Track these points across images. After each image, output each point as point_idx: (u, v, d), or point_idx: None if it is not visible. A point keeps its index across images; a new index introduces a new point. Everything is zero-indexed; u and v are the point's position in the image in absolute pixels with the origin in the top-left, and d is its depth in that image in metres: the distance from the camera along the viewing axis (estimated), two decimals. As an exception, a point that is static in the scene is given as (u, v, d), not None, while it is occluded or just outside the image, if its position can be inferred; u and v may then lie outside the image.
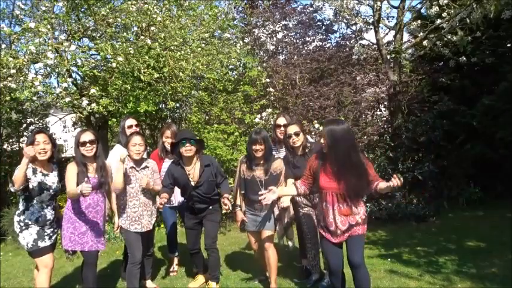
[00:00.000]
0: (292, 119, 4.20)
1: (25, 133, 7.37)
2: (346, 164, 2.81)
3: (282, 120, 4.02)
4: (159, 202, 3.48)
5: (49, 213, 3.30)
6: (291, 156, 3.76)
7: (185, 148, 3.56)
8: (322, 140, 2.93)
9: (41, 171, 3.24)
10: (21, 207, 3.25)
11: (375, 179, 2.91)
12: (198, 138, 3.86)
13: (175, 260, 4.51)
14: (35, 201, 3.23)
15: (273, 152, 3.90)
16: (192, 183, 3.64)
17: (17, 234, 3.31)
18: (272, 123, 5.08)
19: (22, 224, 3.23)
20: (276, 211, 3.72)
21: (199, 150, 3.69)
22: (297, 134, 3.69)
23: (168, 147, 4.19)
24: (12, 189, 3.16)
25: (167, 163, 4.12)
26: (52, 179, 3.30)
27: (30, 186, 3.18)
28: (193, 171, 3.66)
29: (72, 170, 3.33)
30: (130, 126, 4.11)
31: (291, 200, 3.70)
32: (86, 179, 3.24)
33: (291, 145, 3.74)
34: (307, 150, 3.75)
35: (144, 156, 3.81)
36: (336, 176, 2.88)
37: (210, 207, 3.74)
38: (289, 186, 3.29)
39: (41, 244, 3.23)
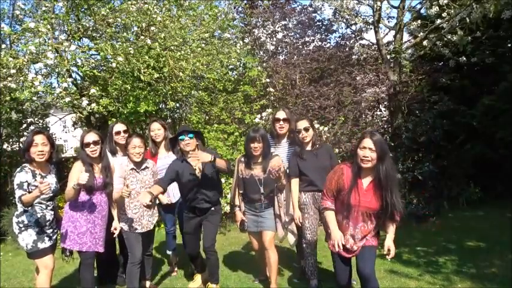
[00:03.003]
0: (292, 115, 4.16)
1: (25, 133, 7.36)
2: (390, 180, 2.66)
3: (281, 114, 3.95)
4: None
5: (48, 214, 3.28)
6: (298, 155, 3.73)
7: (184, 142, 3.52)
8: (364, 154, 2.67)
9: (39, 174, 3.20)
10: (20, 208, 3.22)
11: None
12: (195, 130, 3.78)
13: (175, 259, 4.51)
14: (34, 202, 3.19)
15: (271, 147, 3.87)
16: (199, 175, 3.56)
17: (16, 236, 3.28)
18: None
19: (21, 225, 3.21)
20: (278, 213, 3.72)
21: (198, 144, 3.64)
22: (306, 130, 3.68)
23: (156, 138, 4.17)
24: (18, 205, 3.11)
25: (162, 160, 4.11)
26: (50, 180, 3.26)
27: (30, 190, 3.13)
28: (199, 164, 3.57)
29: (77, 169, 3.34)
30: (118, 133, 4.03)
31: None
32: (84, 171, 3.20)
33: (300, 140, 3.72)
34: (315, 144, 3.75)
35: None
36: (374, 193, 2.72)
37: (212, 208, 3.69)
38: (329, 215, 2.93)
39: (41, 245, 3.21)
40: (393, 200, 2.65)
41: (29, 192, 3.08)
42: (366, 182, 2.76)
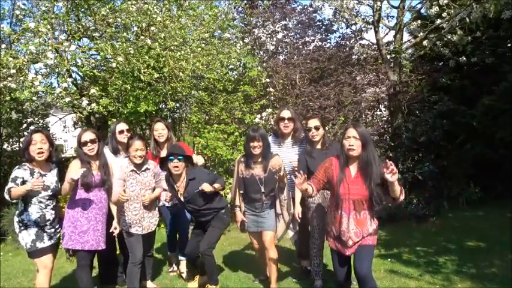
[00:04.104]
0: (296, 114, 4.14)
1: (25, 133, 7.37)
2: (374, 166, 2.75)
3: (286, 113, 3.93)
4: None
5: (48, 214, 3.28)
6: (307, 154, 3.73)
7: (173, 164, 3.53)
8: (349, 143, 2.79)
9: (38, 172, 3.21)
10: (20, 207, 3.24)
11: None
12: (185, 155, 3.70)
13: (175, 259, 4.51)
14: (33, 201, 3.20)
15: (274, 146, 3.88)
16: (182, 199, 3.63)
17: (17, 235, 3.30)
18: (272, 122, 5.07)
19: (21, 225, 3.21)
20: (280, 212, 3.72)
21: (188, 166, 3.64)
22: (316, 128, 3.68)
23: (160, 138, 4.17)
24: (6, 197, 3.06)
25: None
26: (50, 179, 3.27)
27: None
28: (181, 185, 3.63)
29: (74, 167, 3.35)
30: (121, 132, 4.04)
31: (301, 203, 3.70)
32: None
33: (309, 138, 3.73)
34: (325, 143, 3.73)
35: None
36: (362, 180, 2.79)
37: (216, 215, 3.70)
38: (309, 187, 3.00)
39: (39, 245, 3.20)
40: (372, 187, 2.73)
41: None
42: (354, 170, 2.85)
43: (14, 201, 3.07)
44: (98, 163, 3.49)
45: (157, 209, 3.91)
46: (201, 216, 3.70)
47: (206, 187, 3.44)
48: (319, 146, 3.75)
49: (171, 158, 3.55)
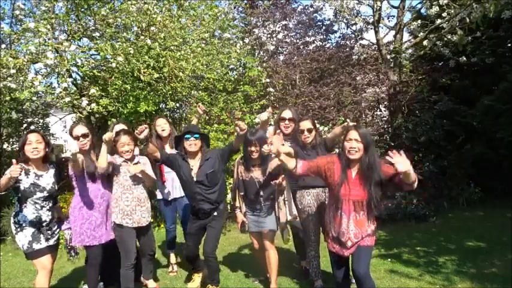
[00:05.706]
0: (298, 115, 4.13)
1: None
2: (375, 170, 2.73)
3: (287, 114, 3.93)
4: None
5: (44, 215, 3.26)
6: (300, 149, 3.71)
7: (189, 142, 3.53)
8: (351, 145, 2.77)
9: (34, 172, 3.20)
10: (16, 208, 3.24)
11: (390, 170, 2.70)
12: (202, 132, 3.77)
13: (174, 259, 4.51)
14: (28, 202, 3.19)
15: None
16: (195, 178, 3.57)
17: (14, 236, 3.30)
18: (273, 122, 5.06)
19: (17, 226, 3.20)
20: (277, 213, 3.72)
21: (203, 145, 3.64)
22: (309, 131, 3.68)
23: (162, 133, 4.18)
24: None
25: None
26: (47, 180, 3.25)
27: (22, 188, 3.13)
28: (196, 165, 3.60)
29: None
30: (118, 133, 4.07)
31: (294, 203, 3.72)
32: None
33: (301, 140, 3.72)
34: (316, 144, 3.73)
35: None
36: (362, 181, 2.77)
37: (215, 213, 3.64)
38: (291, 160, 2.92)
39: (36, 246, 3.19)
40: (371, 190, 2.72)
41: (18, 188, 3.11)
42: (354, 172, 2.85)
43: (3, 193, 3.05)
44: (95, 155, 3.50)
45: (149, 204, 3.82)
46: (205, 202, 3.58)
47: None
48: (309, 146, 3.75)
49: (187, 136, 3.53)
